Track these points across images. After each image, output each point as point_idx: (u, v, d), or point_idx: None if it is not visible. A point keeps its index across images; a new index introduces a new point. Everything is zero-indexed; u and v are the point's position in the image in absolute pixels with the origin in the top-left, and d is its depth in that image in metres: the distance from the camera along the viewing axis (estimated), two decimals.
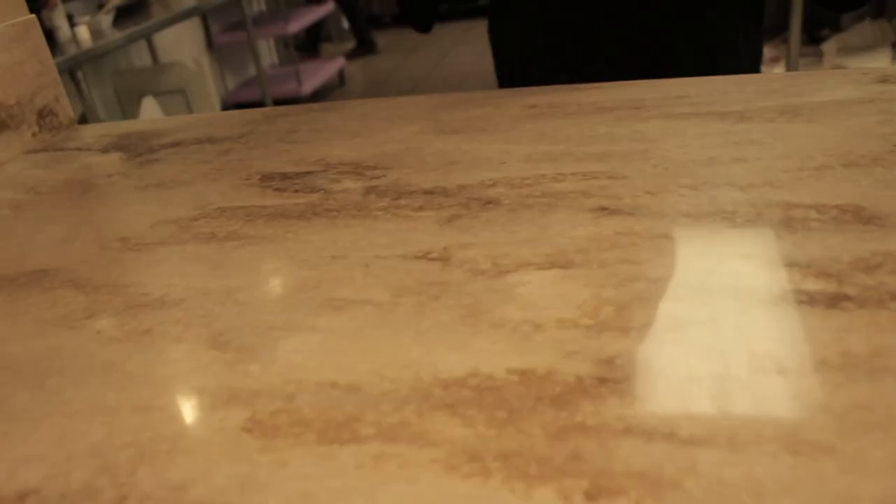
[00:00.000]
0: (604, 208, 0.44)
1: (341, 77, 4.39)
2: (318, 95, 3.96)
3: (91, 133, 0.77)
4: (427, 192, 0.50)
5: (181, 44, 3.57)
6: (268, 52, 4.62)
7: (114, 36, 2.55)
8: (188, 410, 0.33)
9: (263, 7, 4.61)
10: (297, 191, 0.53)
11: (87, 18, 2.51)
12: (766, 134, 0.52)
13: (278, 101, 3.37)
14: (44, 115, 0.76)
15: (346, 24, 5.20)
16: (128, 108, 2.84)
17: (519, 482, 0.27)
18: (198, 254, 0.47)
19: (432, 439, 0.29)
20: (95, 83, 2.77)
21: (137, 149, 0.69)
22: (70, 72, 2.39)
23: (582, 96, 0.64)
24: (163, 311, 0.41)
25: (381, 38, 5.02)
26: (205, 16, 3.81)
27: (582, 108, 0.61)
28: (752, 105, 0.57)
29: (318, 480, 0.28)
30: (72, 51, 2.39)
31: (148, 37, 3.05)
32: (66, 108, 0.79)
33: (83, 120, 2.57)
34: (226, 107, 3.69)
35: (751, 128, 0.53)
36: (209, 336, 0.38)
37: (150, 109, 2.74)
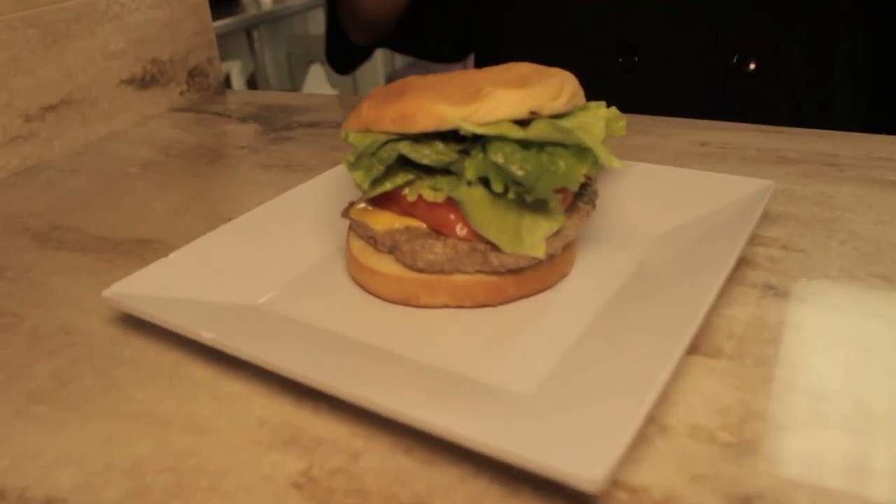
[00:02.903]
0: (771, 287, 0.37)
1: None
2: None
3: (236, 99, 0.76)
4: None
5: None
6: None
7: (294, 1, 2.63)
8: (242, 443, 0.29)
9: None
10: None
11: None
12: None
13: None
14: (194, 74, 0.76)
15: None
16: (297, 73, 2.92)
17: None
18: None
19: None
20: (270, 45, 2.88)
21: (275, 123, 0.67)
22: (247, 31, 2.49)
23: (764, 140, 0.55)
24: None
25: None
26: None
27: (762, 155, 0.52)
28: None
29: None
30: (252, 11, 2.48)
31: None
32: (217, 71, 0.78)
33: (252, 80, 2.67)
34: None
35: None
36: None
37: (316, 76, 2.80)
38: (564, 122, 0.31)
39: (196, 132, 0.67)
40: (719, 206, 0.40)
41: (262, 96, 0.78)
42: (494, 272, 0.33)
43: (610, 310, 0.33)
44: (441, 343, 0.32)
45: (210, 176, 0.56)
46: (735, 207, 0.39)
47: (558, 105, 0.32)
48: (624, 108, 0.37)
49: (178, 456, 0.29)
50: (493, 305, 0.35)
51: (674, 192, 0.41)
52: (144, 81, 0.70)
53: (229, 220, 0.47)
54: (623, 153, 0.54)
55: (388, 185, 0.33)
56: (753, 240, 0.41)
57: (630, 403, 0.25)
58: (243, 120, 0.69)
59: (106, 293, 0.35)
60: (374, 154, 0.32)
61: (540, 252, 0.32)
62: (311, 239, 0.41)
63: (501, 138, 0.30)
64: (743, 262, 0.39)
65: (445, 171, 0.32)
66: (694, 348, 0.32)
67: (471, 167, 0.31)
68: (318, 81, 2.90)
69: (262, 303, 0.36)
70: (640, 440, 0.28)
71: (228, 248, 0.39)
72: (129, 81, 0.69)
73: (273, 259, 0.39)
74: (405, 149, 0.31)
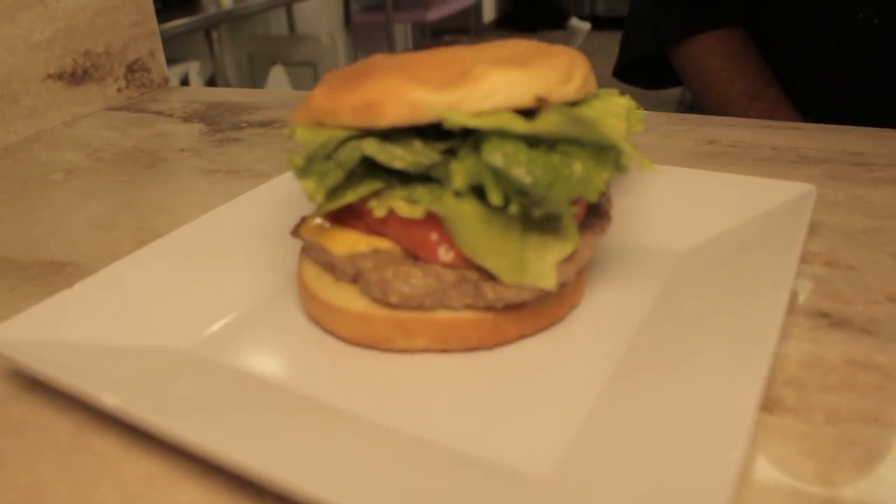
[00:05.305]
0: (824, 314, 0.30)
1: None
2: None
3: (180, 97, 0.68)
4: None
5: (320, 18, 3.56)
6: (404, 36, 4.57)
7: (255, 0, 2.54)
8: None
9: None
10: None
11: None
12: None
13: None
14: (134, 69, 0.67)
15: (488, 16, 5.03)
16: (258, 75, 2.82)
17: None
18: None
19: None
20: (230, 46, 2.77)
21: (221, 123, 0.59)
22: (206, 31, 2.38)
23: (779, 137, 0.49)
24: None
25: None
26: None
27: (779, 154, 0.46)
28: None
29: None
30: (211, 10, 2.38)
31: (289, 5, 3.03)
32: (161, 66, 0.70)
33: (212, 81, 2.57)
34: None
35: None
36: None
37: (278, 78, 2.71)
38: (581, 113, 0.23)
39: (132, 133, 0.58)
40: (751, 216, 0.33)
41: (210, 93, 0.70)
42: (490, 307, 0.26)
43: (638, 352, 0.26)
44: (421, 402, 0.25)
45: (143, 184, 0.48)
46: (772, 218, 0.32)
47: (570, 90, 0.25)
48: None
49: None
50: (489, 348, 0.27)
51: (696, 200, 0.34)
52: (75, 76, 0.62)
53: (161, 236, 0.39)
54: None
55: (349, 197, 0.26)
56: None
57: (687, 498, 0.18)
58: (186, 119, 0.61)
59: None
60: (329, 156, 0.24)
61: (550, 282, 0.25)
62: (257, 263, 0.34)
63: (501, 133, 0.23)
64: None
65: (425, 177, 0.25)
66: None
67: (459, 172, 0.23)
68: (280, 83, 2.81)
69: (191, 349, 0.29)
70: None
71: (152, 276, 0.31)
72: (58, 76, 0.60)
73: (208, 290, 0.31)
74: (370, 148, 0.24)
